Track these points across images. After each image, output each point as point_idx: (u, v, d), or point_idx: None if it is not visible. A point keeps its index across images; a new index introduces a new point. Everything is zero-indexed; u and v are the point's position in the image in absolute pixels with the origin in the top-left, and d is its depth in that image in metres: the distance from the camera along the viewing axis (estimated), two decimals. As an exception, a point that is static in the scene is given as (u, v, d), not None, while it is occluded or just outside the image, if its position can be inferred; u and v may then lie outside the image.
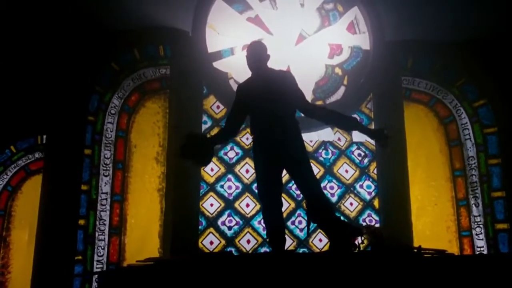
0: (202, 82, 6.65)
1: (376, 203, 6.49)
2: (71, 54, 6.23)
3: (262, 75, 4.14)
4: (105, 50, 6.48)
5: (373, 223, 6.34)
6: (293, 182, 4.41)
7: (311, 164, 6.00)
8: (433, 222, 6.56)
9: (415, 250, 4.08)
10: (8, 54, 6.15)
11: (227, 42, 6.90)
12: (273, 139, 3.99)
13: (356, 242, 4.07)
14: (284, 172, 4.19)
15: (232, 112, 4.25)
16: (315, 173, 5.98)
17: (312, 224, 4.12)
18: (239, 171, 6.46)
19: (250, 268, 3.63)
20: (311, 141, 6.65)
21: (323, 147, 6.67)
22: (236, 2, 7.06)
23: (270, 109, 3.99)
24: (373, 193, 6.52)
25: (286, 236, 6.01)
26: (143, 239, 6.23)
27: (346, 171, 6.60)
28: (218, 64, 6.84)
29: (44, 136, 6.19)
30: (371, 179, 6.58)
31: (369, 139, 6.56)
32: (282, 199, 6.05)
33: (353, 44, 7.09)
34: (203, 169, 6.40)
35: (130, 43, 6.63)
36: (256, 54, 4.18)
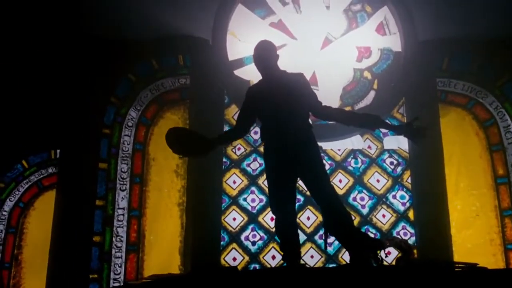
0: (223, 91, 6.62)
1: (411, 214, 6.22)
2: (86, 65, 6.26)
3: (272, 78, 4.02)
4: (122, 61, 6.50)
5: (407, 237, 6.07)
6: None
7: (341, 174, 6.36)
8: (475, 235, 6.19)
9: (445, 264, 3.74)
10: (20, 65, 6.21)
11: (249, 49, 6.27)
12: (285, 145, 3.86)
13: (378, 255, 3.77)
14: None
15: (241, 114, 4.18)
16: (344, 184, 6.30)
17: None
18: (263, 183, 6.29)
19: (259, 285, 3.40)
20: (339, 150, 6.50)
21: (352, 156, 6.48)
22: (258, 7, 7.01)
23: (280, 113, 3.88)
24: (408, 204, 6.26)
25: (314, 251, 5.95)
26: (163, 256, 6.14)
27: (378, 180, 6.37)
28: (239, 72, 6.77)
29: (58, 151, 6.20)
30: (405, 189, 6.32)
31: (402, 146, 6.45)
32: (309, 212, 6.10)
33: (383, 46, 6.91)
34: (225, 182, 6.34)
35: (148, 53, 6.65)
36: (262, 55, 4.05)
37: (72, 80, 6.24)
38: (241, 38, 6.88)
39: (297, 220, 5.74)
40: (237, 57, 6.80)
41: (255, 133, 6.37)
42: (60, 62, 6.23)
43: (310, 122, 4.07)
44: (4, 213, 6.10)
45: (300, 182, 4.03)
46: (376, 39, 6.95)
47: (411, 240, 6.05)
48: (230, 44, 6.81)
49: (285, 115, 3.86)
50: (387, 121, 4.36)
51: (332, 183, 4.03)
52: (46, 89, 6.22)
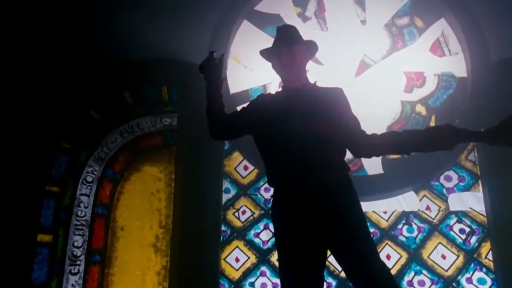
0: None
1: (496, 306, 5.50)
2: (26, 95, 5.73)
3: (296, 88, 3.26)
4: (81, 92, 6.07)
5: None
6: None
7: (389, 247, 5.51)
8: None
9: None
10: None
11: (258, 78, 6.38)
12: (306, 194, 2.97)
13: None
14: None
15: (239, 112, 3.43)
16: (395, 260, 5.60)
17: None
18: (277, 260, 5.26)
19: None
20: (384, 213, 5.82)
21: (404, 221, 5.77)
22: (269, 24, 6.61)
23: (302, 143, 3.02)
24: (491, 291, 5.59)
25: None
26: None
27: (443, 256, 5.61)
28: (245, 109, 6.10)
29: (-21, 218, 5.69)
30: (484, 269, 5.53)
31: (475, 207, 5.73)
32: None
33: (442, 71, 6.39)
34: (224, 259, 5.71)
35: (119, 83, 6.25)
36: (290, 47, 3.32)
37: (5, 120, 5.67)
38: (247, 65, 6.48)
39: (327, 316, 5.29)
40: (241, 88, 6.36)
41: (266, 190, 5.78)
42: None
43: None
44: None
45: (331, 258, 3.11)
46: (432, 62, 6.46)
47: None
48: (232, 72, 6.40)
49: (309, 146, 3.02)
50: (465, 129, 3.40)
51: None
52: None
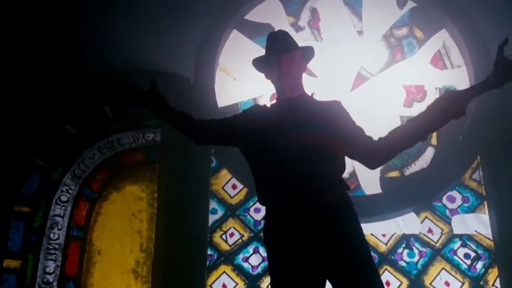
0: (209, 150, 5.97)
1: (505, 337, 5.29)
2: None
3: (293, 100, 3.09)
4: (56, 106, 5.86)
5: None
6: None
7: (388, 272, 5.33)
8: None
9: None
10: None
11: (248, 91, 6.27)
12: (303, 203, 2.81)
13: None
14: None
15: (223, 120, 3.28)
16: (396, 286, 5.36)
17: None
18: (267, 287, 5.37)
19: None
20: (383, 236, 5.63)
21: (404, 244, 5.58)
22: (260, 34, 6.39)
23: (298, 157, 2.87)
24: (499, 321, 5.36)
25: None
26: None
27: (447, 283, 5.42)
28: (234, 124, 5.99)
29: None
30: None
31: (481, 230, 5.53)
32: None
33: (443, 84, 6.24)
34: (210, 286, 5.51)
35: (98, 96, 5.98)
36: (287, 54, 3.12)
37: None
38: (236, 76, 6.35)
39: None
40: (230, 102, 6.22)
41: (256, 211, 5.61)
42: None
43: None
44: None
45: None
46: (432, 75, 6.33)
47: None
48: (220, 84, 6.31)
49: (305, 156, 2.86)
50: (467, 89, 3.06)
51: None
52: None
